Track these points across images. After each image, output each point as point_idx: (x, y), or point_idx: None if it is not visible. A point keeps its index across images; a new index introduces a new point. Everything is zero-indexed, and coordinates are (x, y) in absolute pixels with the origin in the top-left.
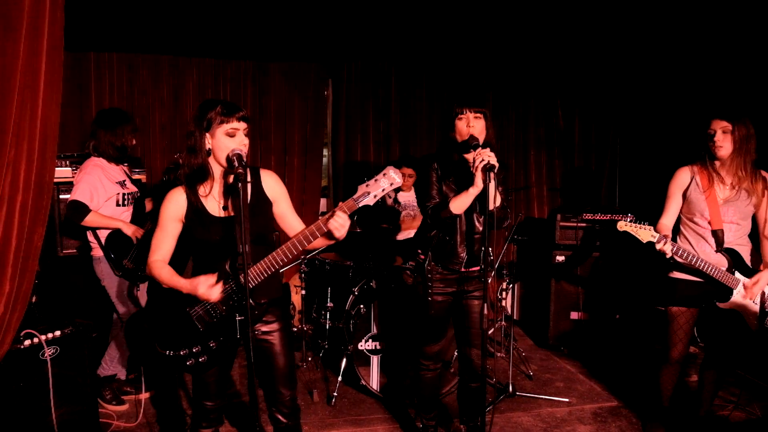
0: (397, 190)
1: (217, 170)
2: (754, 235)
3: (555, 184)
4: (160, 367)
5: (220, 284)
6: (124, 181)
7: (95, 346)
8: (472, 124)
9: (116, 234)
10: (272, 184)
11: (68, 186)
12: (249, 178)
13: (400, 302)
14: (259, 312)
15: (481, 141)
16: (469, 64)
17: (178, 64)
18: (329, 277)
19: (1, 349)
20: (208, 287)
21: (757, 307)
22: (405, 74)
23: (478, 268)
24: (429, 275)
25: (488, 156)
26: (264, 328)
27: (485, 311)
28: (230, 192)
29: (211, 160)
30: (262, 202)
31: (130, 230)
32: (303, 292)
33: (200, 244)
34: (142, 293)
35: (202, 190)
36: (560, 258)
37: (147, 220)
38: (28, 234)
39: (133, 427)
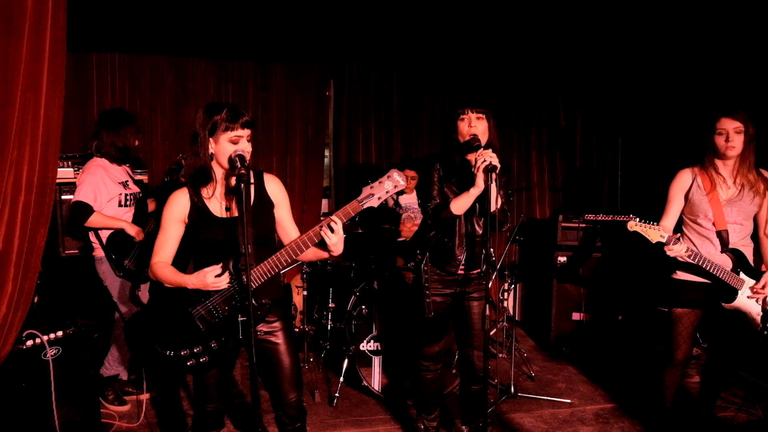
0: (400, 192)
1: (219, 173)
2: (753, 236)
3: (556, 184)
4: (161, 368)
5: (226, 274)
6: (126, 181)
7: (97, 347)
8: (473, 125)
9: (117, 234)
10: (275, 189)
11: (70, 186)
12: (252, 180)
13: (401, 303)
14: (261, 312)
15: (483, 142)
16: (471, 65)
17: (180, 65)
18: (331, 277)
19: (3, 349)
20: (216, 276)
21: (760, 308)
22: (407, 75)
23: (477, 270)
24: (426, 276)
25: (490, 157)
26: (266, 329)
27: (487, 312)
28: (233, 193)
29: (214, 163)
30: (265, 204)
31: (133, 231)
32: (305, 292)
33: (203, 245)
34: (143, 293)
35: (205, 192)
36: (562, 259)
37: (149, 220)
38: (30, 234)
39: (135, 427)
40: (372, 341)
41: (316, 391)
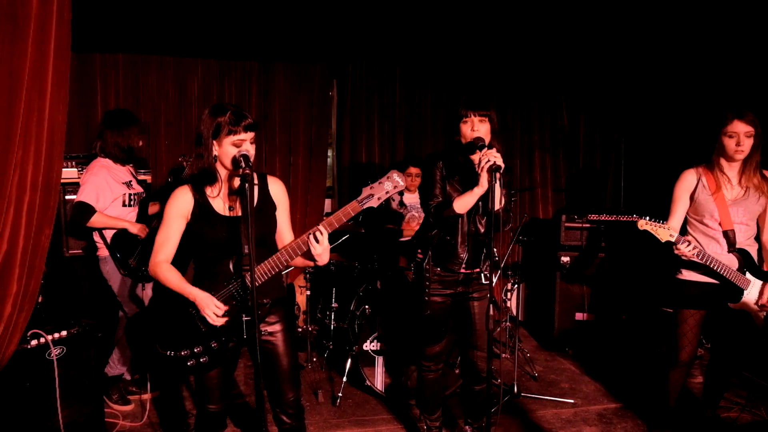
0: (401, 193)
1: (223, 174)
2: (757, 237)
3: (560, 184)
4: (164, 368)
5: (222, 311)
6: (130, 181)
7: (101, 346)
8: (476, 128)
9: (122, 234)
10: (277, 191)
11: (74, 186)
12: (256, 181)
13: (403, 303)
14: (262, 312)
15: (486, 143)
16: (474, 65)
17: (183, 65)
18: (334, 277)
19: (8, 349)
20: (215, 314)
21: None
22: (410, 75)
23: (478, 270)
24: (427, 275)
25: (494, 157)
26: (267, 329)
27: (490, 312)
28: (237, 194)
29: (218, 164)
30: (268, 205)
31: (135, 228)
32: (308, 292)
33: (204, 244)
34: (147, 293)
35: (209, 192)
36: (565, 259)
37: (153, 219)
38: (35, 234)
39: (139, 427)
40: (375, 341)
41: (319, 391)
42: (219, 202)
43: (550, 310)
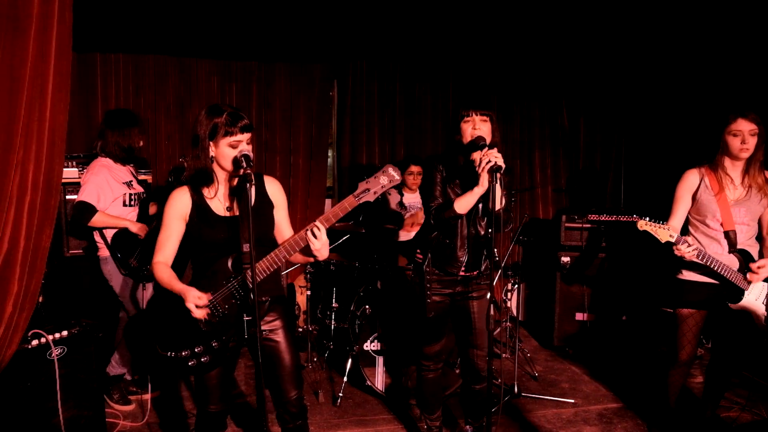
0: (401, 193)
1: (221, 174)
2: (758, 237)
3: (560, 184)
4: (163, 369)
5: (206, 309)
6: (130, 181)
7: (102, 346)
8: (478, 127)
9: (122, 234)
10: (275, 191)
11: (75, 186)
12: (253, 182)
13: (403, 303)
14: (261, 310)
15: (487, 142)
16: (475, 65)
17: (183, 65)
18: (334, 277)
19: (9, 348)
20: (195, 305)
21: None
22: (410, 74)
23: (478, 271)
24: (427, 276)
25: (495, 157)
26: (266, 327)
27: (491, 312)
28: (235, 193)
29: (215, 165)
30: (266, 205)
31: (136, 228)
32: (308, 292)
33: (203, 244)
34: (148, 293)
35: (207, 192)
36: (565, 259)
37: (153, 219)
38: (36, 234)
39: (139, 427)
40: (375, 341)
41: (319, 391)
42: (216, 202)
43: (551, 310)
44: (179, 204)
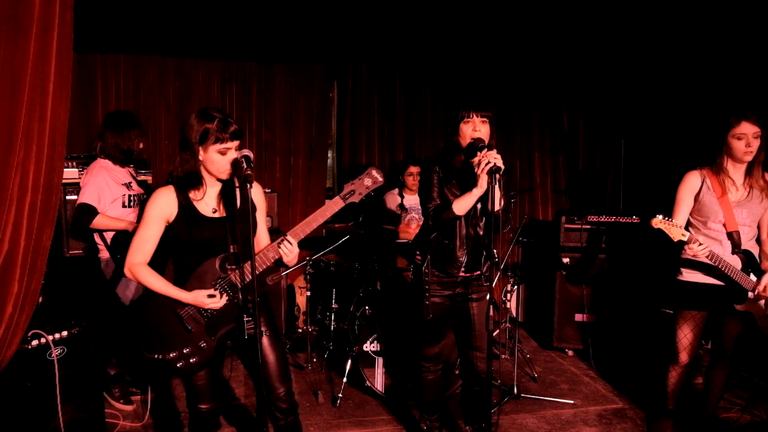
0: (401, 194)
1: (209, 178)
2: (757, 239)
3: (559, 186)
4: (151, 371)
5: (225, 295)
6: (129, 182)
7: (102, 347)
8: (478, 129)
9: (122, 235)
10: (257, 193)
11: (75, 187)
12: (237, 185)
13: (403, 304)
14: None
15: (486, 144)
16: (474, 66)
17: (183, 66)
18: (334, 278)
19: (9, 349)
20: (214, 302)
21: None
22: (410, 76)
23: (478, 272)
24: (426, 278)
25: (494, 158)
26: (251, 327)
27: (491, 313)
28: (222, 195)
29: (202, 168)
30: (251, 208)
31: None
32: (308, 293)
33: (190, 245)
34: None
35: (193, 195)
36: (565, 260)
37: None
38: (36, 235)
39: (139, 427)
40: (375, 342)
41: (319, 392)
42: (203, 204)
43: (550, 311)
44: (164, 204)
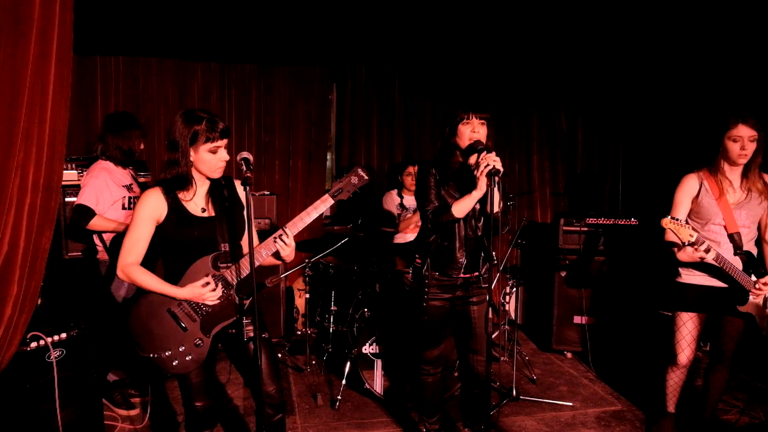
0: (400, 194)
1: (198, 178)
2: (757, 240)
3: (558, 188)
4: (146, 370)
5: (218, 285)
6: (130, 184)
7: (100, 349)
8: (477, 130)
9: (121, 237)
10: (243, 192)
11: (74, 189)
12: (223, 183)
13: (402, 306)
14: (246, 306)
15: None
16: (473, 68)
17: (183, 68)
18: (333, 280)
19: (8, 351)
20: (206, 286)
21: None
22: (409, 78)
23: (477, 273)
24: (427, 281)
25: (494, 160)
26: (246, 328)
27: (489, 315)
28: (211, 195)
29: (193, 170)
30: (238, 206)
31: None
32: (307, 295)
33: (181, 245)
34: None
35: (182, 195)
36: (564, 262)
37: None
38: (36, 236)
39: (138, 429)
40: (374, 344)
41: (318, 394)
42: (193, 204)
43: (549, 313)
44: (154, 205)
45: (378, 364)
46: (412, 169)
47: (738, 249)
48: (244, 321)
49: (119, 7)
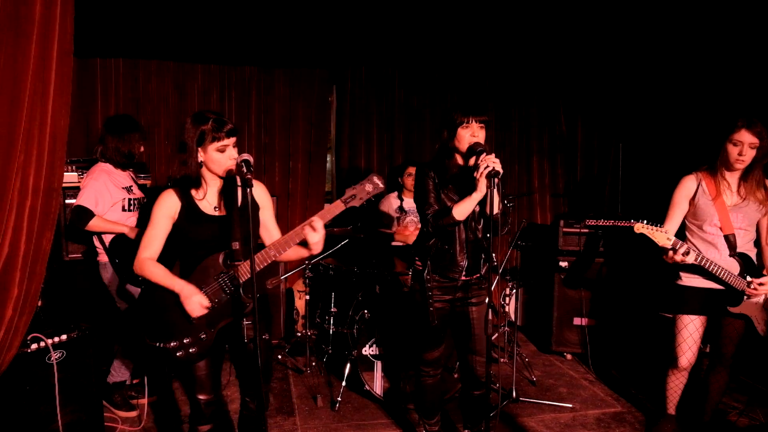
0: (400, 197)
1: (209, 177)
2: (756, 242)
3: (558, 190)
4: (151, 360)
5: (207, 304)
6: (130, 186)
7: (101, 351)
8: (476, 133)
9: (120, 239)
10: (260, 193)
11: (74, 191)
12: (239, 184)
13: (402, 308)
14: (246, 310)
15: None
16: (473, 70)
17: (183, 70)
18: (333, 282)
19: (9, 352)
20: (200, 305)
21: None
22: (409, 80)
23: (478, 275)
24: (428, 284)
25: (493, 162)
26: (248, 329)
27: (489, 317)
28: (223, 195)
29: (203, 169)
30: (253, 206)
31: (133, 233)
32: (307, 297)
33: (193, 242)
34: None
35: (195, 194)
36: (563, 264)
37: None
38: (36, 238)
39: (137, 431)
40: (374, 345)
41: (318, 396)
42: (205, 203)
43: (549, 315)
44: (168, 204)
45: (378, 365)
46: (412, 170)
47: (732, 250)
48: (247, 324)
49: (119, 9)
